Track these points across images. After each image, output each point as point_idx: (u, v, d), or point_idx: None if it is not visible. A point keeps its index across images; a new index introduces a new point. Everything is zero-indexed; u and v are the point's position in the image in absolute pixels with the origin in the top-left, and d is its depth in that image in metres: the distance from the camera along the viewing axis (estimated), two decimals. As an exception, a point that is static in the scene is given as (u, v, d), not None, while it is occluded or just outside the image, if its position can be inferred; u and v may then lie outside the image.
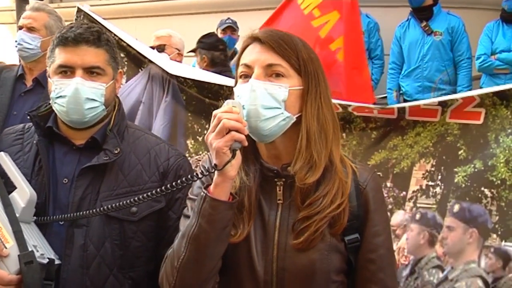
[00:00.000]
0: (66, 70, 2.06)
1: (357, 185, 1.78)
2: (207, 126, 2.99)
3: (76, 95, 2.03)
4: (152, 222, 2.12)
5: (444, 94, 5.91)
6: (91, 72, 2.07)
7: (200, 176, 1.67)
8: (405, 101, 6.26)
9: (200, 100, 3.03)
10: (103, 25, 3.04)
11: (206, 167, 1.68)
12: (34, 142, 2.14)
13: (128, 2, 8.25)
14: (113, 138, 2.13)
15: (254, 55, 1.73)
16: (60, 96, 2.05)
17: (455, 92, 5.86)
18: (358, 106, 2.78)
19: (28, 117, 2.17)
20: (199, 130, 3.03)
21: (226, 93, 2.93)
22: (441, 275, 2.61)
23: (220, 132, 1.59)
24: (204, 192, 1.65)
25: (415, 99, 6.03)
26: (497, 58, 5.85)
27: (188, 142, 3.01)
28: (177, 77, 3.05)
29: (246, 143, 1.63)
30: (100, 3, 8.19)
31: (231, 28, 6.30)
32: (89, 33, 2.08)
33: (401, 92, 6.30)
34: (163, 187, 1.73)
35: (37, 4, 3.71)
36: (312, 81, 1.74)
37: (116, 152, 2.09)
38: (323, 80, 1.78)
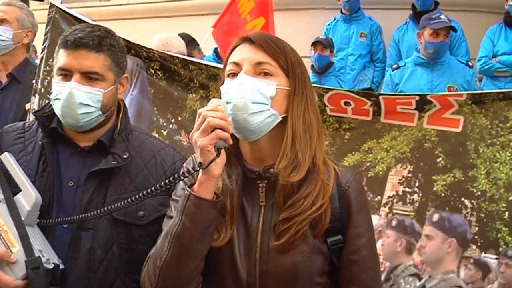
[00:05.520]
0: (65, 73, 2.06)
1: (339, 187, 1.78)
2: (173, 120, 3.01)
3: (69, 99, 2.02)
4: (158, 226, 2.05)
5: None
6: (89, 77, 2.05)
7: (188, 174, 1.69)
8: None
9: (169, 94, 3.02)
10: (77, 19, 3.01)
11: (191, 166, 1.69)
12: (39, 142, 2.12)
13: (127, 4, 8.30)
14: (121, 143, 2.11)
15: (243, 53, 1.75)
16: (57, 99, 2.05)
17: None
18: (334, 93, 2.73)
19: (34, 117, 2.18)
20: (164, 124, 3.02)
21: (196, 86, 2.93)
22: (418, 283, 2.58)
23: (205, 130, 1.60)
24: (188, 191, 1.65)
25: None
26: (498, 61, 5.77)
27: None
28: (147, 68, 3.04)
29: (231, 142, 1.64)
30: (99, 5, 8.23)
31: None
32: (89, 37, 2.05)
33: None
34: (167, 180, 1.73)
35: (8, 0, 3.72)
36: (299, 83, 1.76)
37: (125, 157, 2.08)
38: (309, 84, 1.81)
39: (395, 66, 5.25)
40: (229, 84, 1.73)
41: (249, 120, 1.68)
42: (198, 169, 1.64)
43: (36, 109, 2.98)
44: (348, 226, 1.76)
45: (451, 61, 5.06)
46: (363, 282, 1.76)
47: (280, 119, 1.73)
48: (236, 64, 1.74)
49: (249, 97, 1.68)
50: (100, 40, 2.07)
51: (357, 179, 1.83)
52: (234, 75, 1.74)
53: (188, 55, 5.08)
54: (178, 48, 4.60)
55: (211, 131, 1.59)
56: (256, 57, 1.73)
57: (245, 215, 1.75)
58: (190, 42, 5.19)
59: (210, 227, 1.66)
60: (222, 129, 1.60)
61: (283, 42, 1.79)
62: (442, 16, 4.96)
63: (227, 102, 1.68)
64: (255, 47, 1.74)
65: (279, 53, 1.75)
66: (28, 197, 1.97)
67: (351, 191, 1.78)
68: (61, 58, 2.07)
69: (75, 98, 2.02)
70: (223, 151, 1.64)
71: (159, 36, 4.04)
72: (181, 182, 1.79)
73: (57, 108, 2.06)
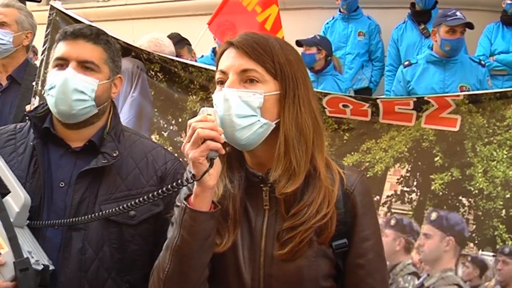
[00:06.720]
0: (62, 63, 2.08)
1: (345, 190, 1.72)
2: (173, 122, 3.02)
3: (64, 85, 2.03)
4: (150, 225, 2.10)
5: (439, 96, 5.87)
6: (85, 66, 2.08)
7: (182, 186, 1.66)
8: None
9: (169, 95, 3.03)
10: (78, 21, 3.03)
11: (185, 177, 1.66)
12: (31, 143, 2.11)
13: (126, 4, 8.28)
14: (111, 142, 2.12)
15: (229, 60, 1.69)
16: (52, 87, 2.06)
17: (450, 94, 5.83)
18: (332, 97, 2.74)
19: (27, 118, 2.18)
20: (165, 125, 3.03)
21: (196, 87, 2.94)
22: (416, 282, 2.60)
23: (195, 142, 1.55)
24: (184, 204, 1.61)
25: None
26: (495, 60, 5.78)
27: (153, 137, 3.00)
28: (148, 70, 3.06)
29: (223, 152, 1.59)
30: (98, 5, 8.23)
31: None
32: (88, 29, 2.12)
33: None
34: (159, 190, 1.70)
35: (6, 1, 3.70)
36: (289, 85, 1.68)
37: (115, 155, 2.08)
38: (303, 83, 1.71)
39: (406, 63, 5.08)
40: (217, 95, 1.69)
41: (238, 136, 1.64)
42: (191, 181, 1.60)
43: (35, 110, 3.00)
44: (354, 230, 1.72)
45: (463, 59, 4.92)
46: (370, 286, 1.73)
47: (274, 126, 1.67)
48: (223, 72, 1.69)
49: (234, 112, 1.63)
50: (97, 33, 2.13)
51: (362, 182, 1.77)
52: (222, 83, 1.70)
53: (177, 55, 5.13)
54: (170, 48, 4.61)
55: (202, 143, 1.55)
56: (241, 65, 1.66)
57: (249, 219, 1.72)
58: (179, 41, 5.20)
59: (210, 237, 1.63)
60: (213, 139, 1.56)
61: (271, 42, 1.70)
62: (458, 13, 4.82)
63: (219, 116, 1.64)
64: (240, 53, 1.68)
65: (266, 57, 1.67)
66: (17, 199, 1.96)
67: (356, 194, 1.73)
68: (59, 49, 2.10)
69: (70, 84, 2.03)
70: (217, 161, 1.59)
71: (149, 37, 4.03)
72: (184, 188, 1.75)
73: (51, 96, 2.06)
